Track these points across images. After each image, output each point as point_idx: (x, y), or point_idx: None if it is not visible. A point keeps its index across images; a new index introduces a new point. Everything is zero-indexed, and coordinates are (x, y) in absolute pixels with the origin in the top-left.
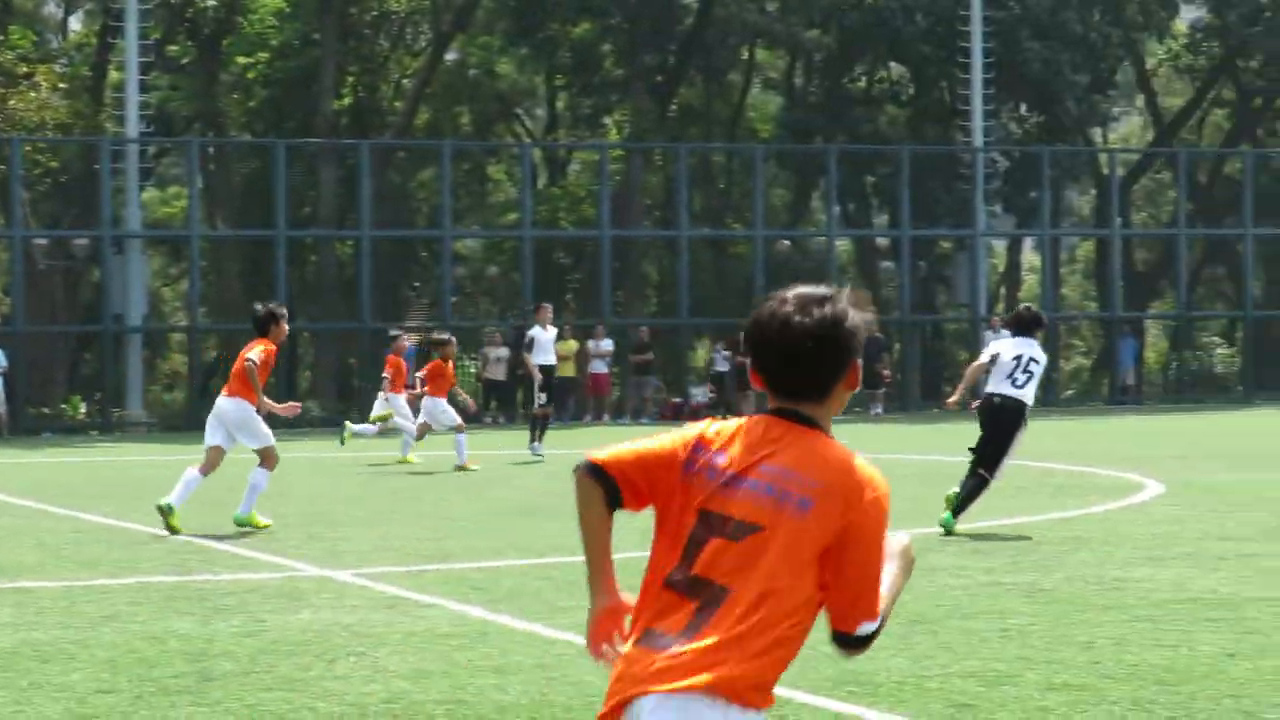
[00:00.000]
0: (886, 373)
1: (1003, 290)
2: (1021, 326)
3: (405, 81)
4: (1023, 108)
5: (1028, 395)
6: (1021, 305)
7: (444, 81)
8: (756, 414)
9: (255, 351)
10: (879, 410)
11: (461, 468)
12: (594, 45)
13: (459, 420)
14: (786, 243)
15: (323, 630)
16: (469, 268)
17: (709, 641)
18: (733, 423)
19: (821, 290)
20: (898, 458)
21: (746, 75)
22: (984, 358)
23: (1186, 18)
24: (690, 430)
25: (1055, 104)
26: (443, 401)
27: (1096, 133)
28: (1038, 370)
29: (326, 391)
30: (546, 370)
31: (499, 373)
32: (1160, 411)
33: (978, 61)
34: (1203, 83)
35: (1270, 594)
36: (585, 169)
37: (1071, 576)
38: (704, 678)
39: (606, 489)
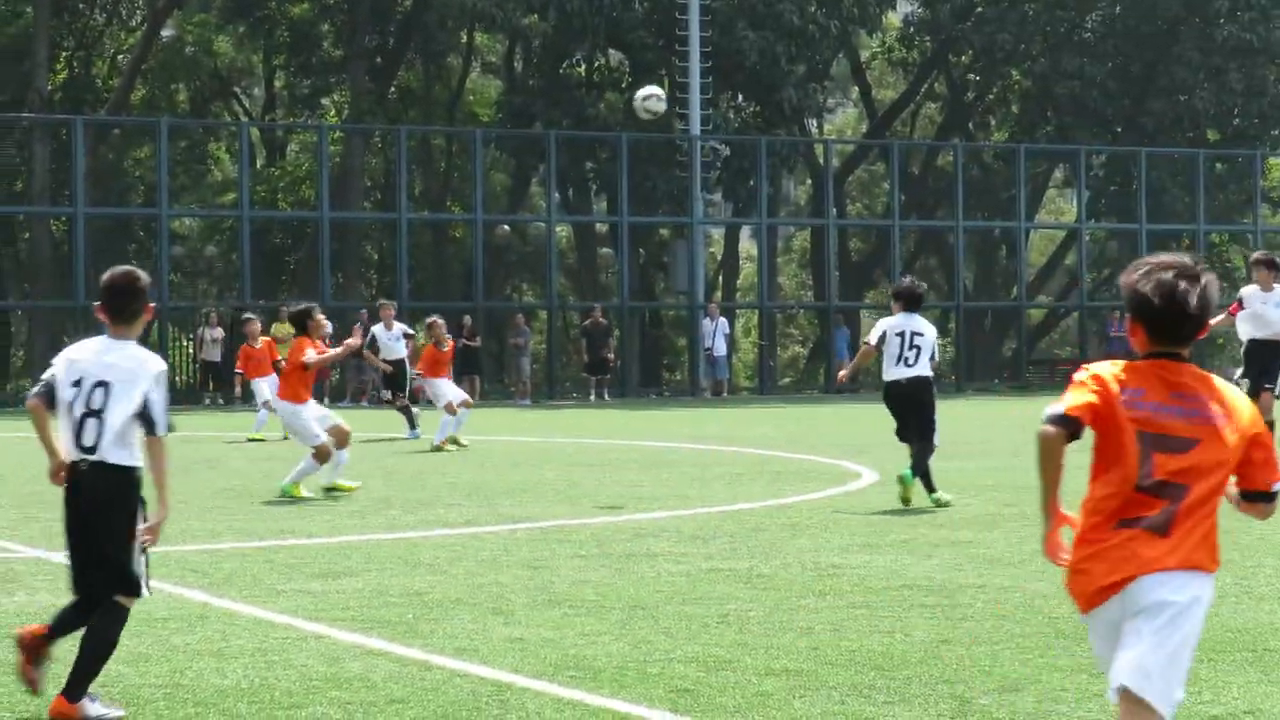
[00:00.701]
0: (610, 357)
1: (720, 278)
2: (906, 301)
3: (121, 57)
4: (740, 97)
5: (923, 369)
6: (905, 279)
7: (161, 58)
8: (1138, 359)
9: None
10: (599, 395)
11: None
12: (313, 25)
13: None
14: (506, 228)
15: (38, 613)
16: (186, 247)
17: (1182, 528)
18: (1118, 365)
19: (1192, 265)
20: (617, 443)
21: (466, 59)
22: (872, 339)
23: (900, 11)
24: (1098, 372)
25: (773, 94)
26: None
27: (813, 124)
28: (924, 343)
29: (39, 371)
30: (397, 364)
31: (215, 354)
32: (876, 400)
33: (695, 50)
34: (916, 76)
35: (982, 581)
36: (304, 150)
37: (789, 563)
38: (1185, 557)
39: (1070, 430)
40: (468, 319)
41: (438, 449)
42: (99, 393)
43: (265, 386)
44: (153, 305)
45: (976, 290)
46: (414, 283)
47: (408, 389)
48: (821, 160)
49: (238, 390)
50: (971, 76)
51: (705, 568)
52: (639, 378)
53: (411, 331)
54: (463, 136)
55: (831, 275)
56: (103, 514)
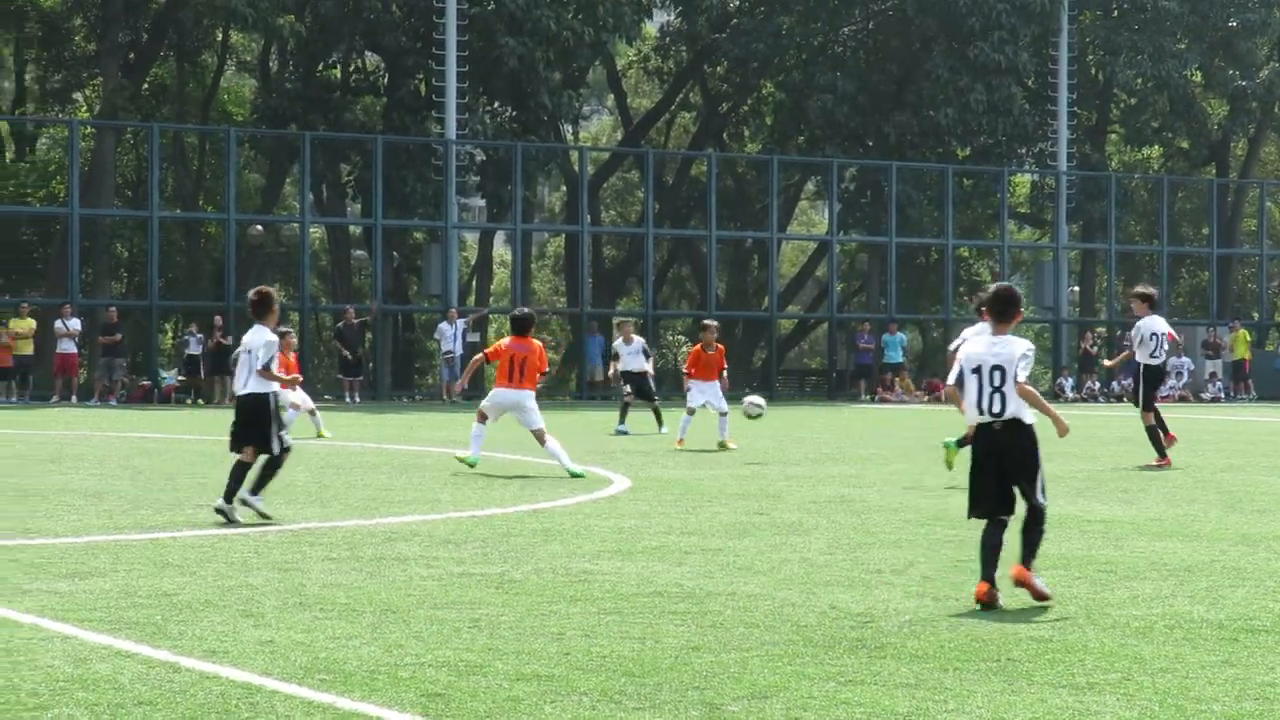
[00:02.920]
0: (355, 355)
1: (474, 283)
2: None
3: None
4: (497, 102)
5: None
6: (997, 284)
7: None
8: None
9: None
10: (353, 398)
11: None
12: (65, 18)
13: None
14: (259, 228)
15: None
16: None
17: None
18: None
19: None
20: (369, 446)
21: (221, 57)
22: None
23: (657, 21)
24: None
25: (529, 99)
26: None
27: (568, 130)
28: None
29: None
30: (639, 375)
31: None
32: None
33: (452, 54)
34: (671, 85)
35: (732, 588)
36: (55, 145)
37: (541, 568)
38: None
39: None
40: (219, 319)
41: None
42: None
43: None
44: None
45: (728, 300)
46: (165, 281)
47: (651, 394)
48: (576, 167)
49: None
50: (726, 87)
51: (457, 572)
52: (391, 380)
53: (650, 350)
54: (216, 135)
55: (585, 282)
56: None
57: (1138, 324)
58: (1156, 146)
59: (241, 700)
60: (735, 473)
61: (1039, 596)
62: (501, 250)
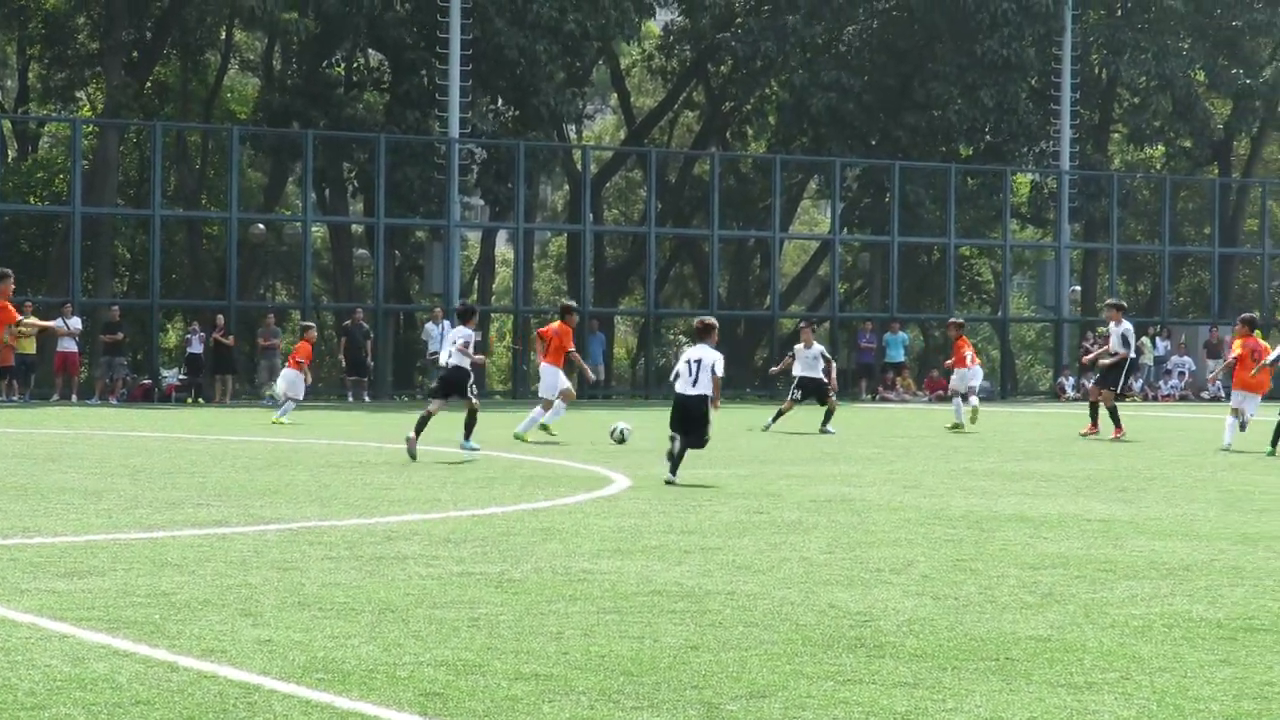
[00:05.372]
0: (369, 360)
1: (476, 282)
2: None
3: None
4: (500, 101)
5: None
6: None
7: None
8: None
9: None
10: (358, 397)
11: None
12: (69, 17)
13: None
14: (261, 227)
15: None
16: None
17: None
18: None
19: None
20: (370, 445)
21: (225, 55)
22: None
23: (660, 20)
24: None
25: (532, 98)
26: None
27: (571, 130)
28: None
29: None
30: (816, 381)
31: None
32: (629, 406)
33: (455, 51)
34: (675, 84)
35: (731, 587)
36: (58, 144)
37: (540, 568)
38: None
39: None
40: (220, 318)
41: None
42: None
43: None
44: None
45: (730, 299)
46: (167, 281)
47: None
48: (579, 166)
49: None
50: (730, 86)
51: (456, 571)
52: (393, 380)
53: (829, 355)
54: (219, 133)
55: (587, 281)
56: None
57: (1122, 328)
58: (1159, 146)
59: (239, 699)
60: (734, 471)
61: None
62: (504, 249)
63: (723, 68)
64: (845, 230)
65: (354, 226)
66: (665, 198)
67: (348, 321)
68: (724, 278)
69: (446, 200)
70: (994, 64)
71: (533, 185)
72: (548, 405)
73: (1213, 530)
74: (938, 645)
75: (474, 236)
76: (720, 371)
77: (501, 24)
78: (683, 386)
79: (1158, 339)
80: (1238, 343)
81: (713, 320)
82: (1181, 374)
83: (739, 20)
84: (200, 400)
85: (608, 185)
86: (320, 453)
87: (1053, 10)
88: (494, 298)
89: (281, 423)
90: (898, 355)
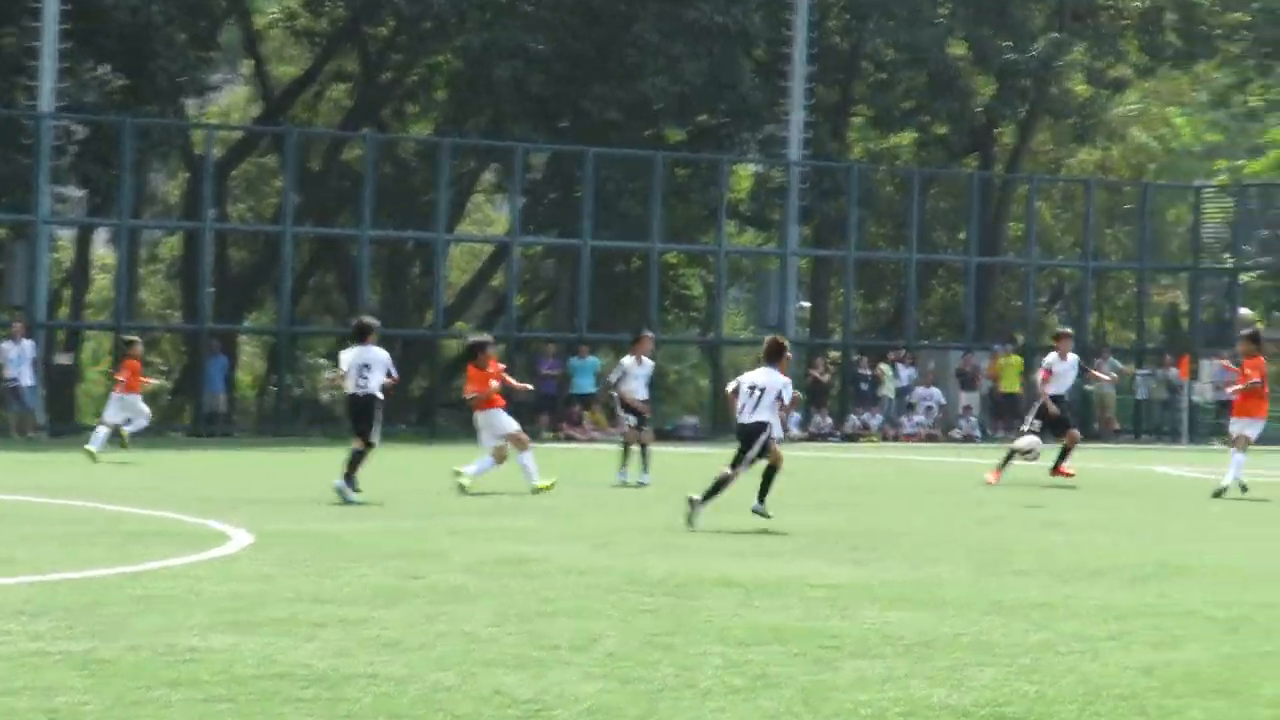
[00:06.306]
0: None
1: (67, 291)
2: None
3: None
4: (105, 67)
5: None
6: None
7: None
8: None
9: None
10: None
11: None
12: None
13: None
14: None
15: None
16: None
17: None
18: None
19: None
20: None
21: None
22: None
23: None
24: None
25: (147, 62)
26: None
27: (191, 104)
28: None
29: None
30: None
31: None
32: (253, 445)
33: (52, 8)
34: (322, 50)
35: (374, 669)
36: None
37: (137, 645)
38: None
39: None
40: None
41: None
42: None
43: None
44: None
45: (384, 313)
46: None
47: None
48: (200, 149)
49: None
50: (390, 52)
51: (30, 650)
52: None
53: None
54: None
55: (206, 291)
56: None
57: (1067, 359)
58: (908, 132)
59: None
60: (391, 525)
61: None
62: (104, 251)
63: (383, 29)
64: (527, 231)
65: None
66: (306, 189)
67: None
68: (376, 288)
69: (34, 190)
70: (709, 30)
71: (142, 172)
72: (499, 454)
73: (960, 597)
74: None
75: (67, 235)
76: (789, 399)
77: None
78: (743, 416)
79: (900, 365)
80: (1248, 364)
81: (784, 340)
82: (929, 408)
83: None
84: None
85: (235, 173)
86: None
87: None
88: (89, 311)
89: None
90: (587, 385)
